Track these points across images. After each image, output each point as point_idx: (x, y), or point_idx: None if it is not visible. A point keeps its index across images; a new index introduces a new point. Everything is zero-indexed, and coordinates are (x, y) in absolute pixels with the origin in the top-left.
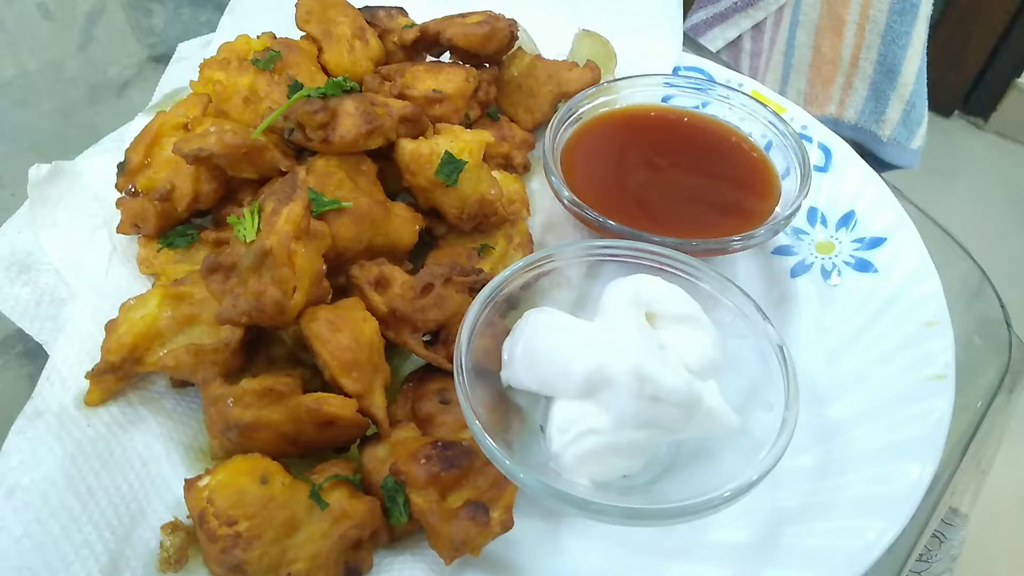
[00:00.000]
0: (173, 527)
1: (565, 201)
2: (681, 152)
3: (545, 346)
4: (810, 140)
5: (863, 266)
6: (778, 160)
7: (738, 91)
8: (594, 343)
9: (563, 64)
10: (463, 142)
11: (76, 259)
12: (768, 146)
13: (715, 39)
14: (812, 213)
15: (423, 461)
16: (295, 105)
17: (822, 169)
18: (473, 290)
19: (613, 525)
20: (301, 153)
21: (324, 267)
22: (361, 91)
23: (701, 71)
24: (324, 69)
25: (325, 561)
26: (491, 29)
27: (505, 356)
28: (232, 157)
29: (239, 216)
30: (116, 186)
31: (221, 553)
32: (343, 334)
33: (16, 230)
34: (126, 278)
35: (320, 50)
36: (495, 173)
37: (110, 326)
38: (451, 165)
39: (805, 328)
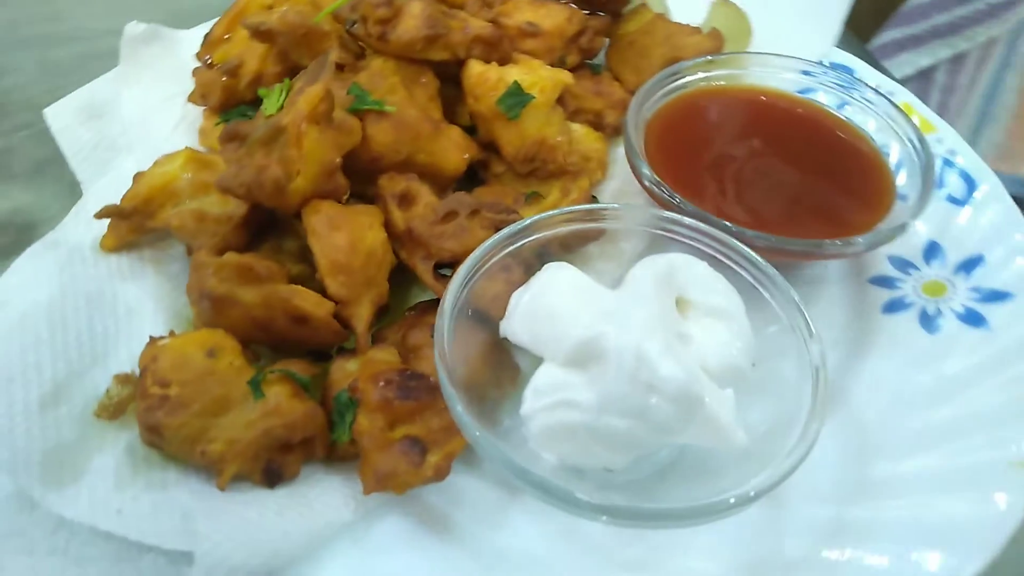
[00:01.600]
0: (125, 379)
1: (636, 169)
2: (790, 145)
3: (550, 303)
4: (953, 165)
5: (974, 319)
6: (906, 181)
7: (885, 97)
8: (603, 311)
9: (684, 28)
10: (537, 77)
11: (145, 118)
12: (899, 165)
13: (903, 65)
14: (932, 248)
15: (382, 384)
16: None
17: (959, 202)
18: (503, 224)
19: (569, 514)
20: (365, 52)
21: (339, 160)
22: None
23: (848, 69)
24: None
25: (243, 451)
26: None
27: (511, 305)
28: (291, 37)
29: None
30: (196, 55)
31: (145, 411)
32: (341, 234)
33: (107, 81)
34: (184, 145)
35: None
36: (579, 126)
37: (138, 177)
38: (516, 97)
39: (882, 371)
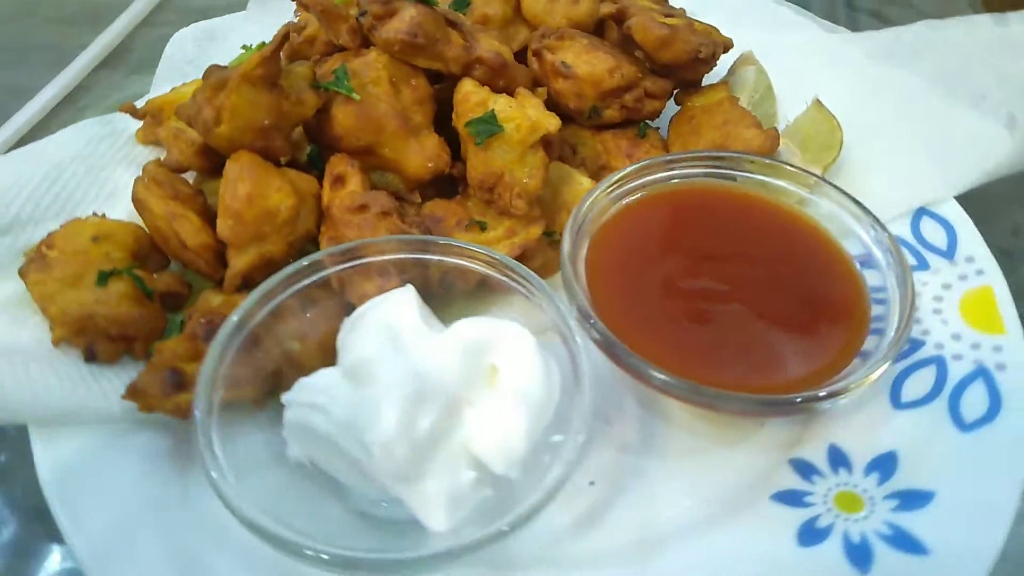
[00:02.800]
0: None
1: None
2: (754, 258)
3: (374, 315)
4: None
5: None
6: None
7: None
8: (406, 344)
9: (747, 119)
10: (520, 114)
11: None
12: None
13: None
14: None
15: (202, 320)
16: None
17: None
18: (403, 238)
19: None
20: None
21: (267, 122)
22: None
23: (949, 226)
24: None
25: (68, 322)
26: (670, 36)
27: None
28: (315, 10)
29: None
30: None
31: (26, 261)
32: (244, 184)
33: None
34: None
35: None
36: (587, 180)
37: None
38: (486, 125)
39: None
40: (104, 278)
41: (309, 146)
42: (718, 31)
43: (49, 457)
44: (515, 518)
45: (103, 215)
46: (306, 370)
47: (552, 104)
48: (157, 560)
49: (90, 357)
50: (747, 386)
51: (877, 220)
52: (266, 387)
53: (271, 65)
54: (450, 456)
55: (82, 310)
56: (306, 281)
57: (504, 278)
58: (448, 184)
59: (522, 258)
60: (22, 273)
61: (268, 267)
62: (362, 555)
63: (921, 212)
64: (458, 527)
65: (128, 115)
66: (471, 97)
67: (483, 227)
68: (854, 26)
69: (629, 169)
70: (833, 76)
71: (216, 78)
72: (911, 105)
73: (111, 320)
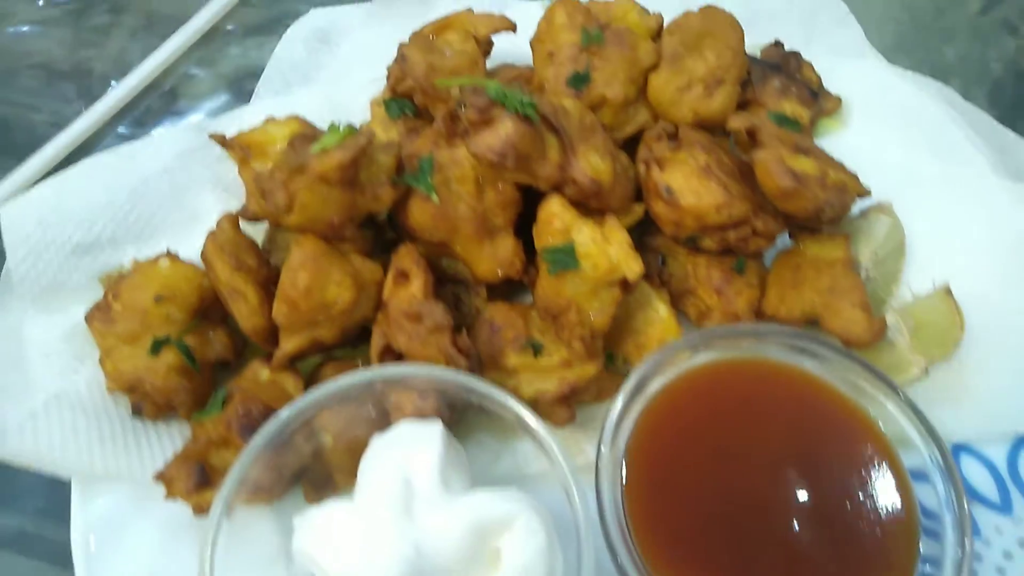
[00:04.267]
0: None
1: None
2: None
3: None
4: None
5: None
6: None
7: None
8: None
9: (855, 292)
10: (601, 252)
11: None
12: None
13: None
14: None
15: (240, 410)
16: (475, 89)
17: None
18: (449, 360)
19: None
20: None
21: (338, 219)
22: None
23: None
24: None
25: (118, 379)
26: (794, 190)
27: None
28: (422, 90)
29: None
30: None
31: (93, 307)
32: (305, 273)
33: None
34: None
35: (655, 67)
36: (665, 310)
37: (266, 121)
38: (563, 256)
39: None
40: (157, 347)
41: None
42: (856, 180)
43: (82, 512)
44: None
45: (174, 257)
46: (332, 469)
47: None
48: None
49: (136, 412)
50: None
51: (940, 444)
52: (290, 484)
53: (349, 170)
54: None
55: (133, 373)
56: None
57: (532, 441)
58: (520, 284)
59: (573, 392)
60: (88, 319)
61: (319, 348)
62: None
63: None
64: None
65: (219, 144)
66: (554, 221)
67: (537, 351)
68: None
69: (707, 332)
70: (984, 237)
71: (295, 163)
72: None
73: (156, 389)
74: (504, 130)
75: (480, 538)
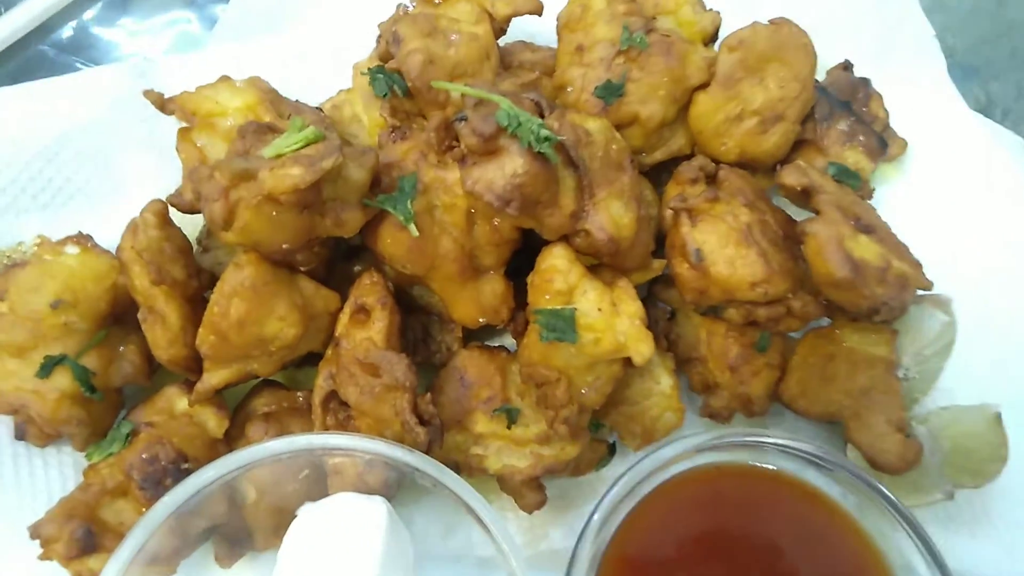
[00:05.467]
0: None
1: None
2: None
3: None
4: None
5: None
6: None
7: None
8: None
9: (892, 405)
10: (608, 328)
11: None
12: None
13: None
14: None
15: (143, 455)
16: (484, 103)
17: None
18: (407, 431)
19: None
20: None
21: (289, 245)
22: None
23: None
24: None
25: (3, 403)
26: (850, 281)
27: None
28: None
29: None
30: None
31: None
32: (240, 306)
33: None
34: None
35: (705, 86)
36: (669, 385)
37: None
38: (560, 324)
39: None
40: (47, 368)
41: None
42: (919, 271)
43: None
44: None
45: (85, 242)
46: (251, 527)
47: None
48: None
49: (20, 436)
50: None
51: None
52: (196, 546)
53: (307, 195)
54: None
55: (16, 395)
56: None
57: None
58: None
59: (548, 472)
60: None
61: (247, 381)
62: None
63: None
64: None
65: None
66: (555, 279)
67: (512, 418)
68: None
69: (710, 437)
70: None
71: (239, 168)
72: None
73: (43, 419)
74: (512, 168)
75: None
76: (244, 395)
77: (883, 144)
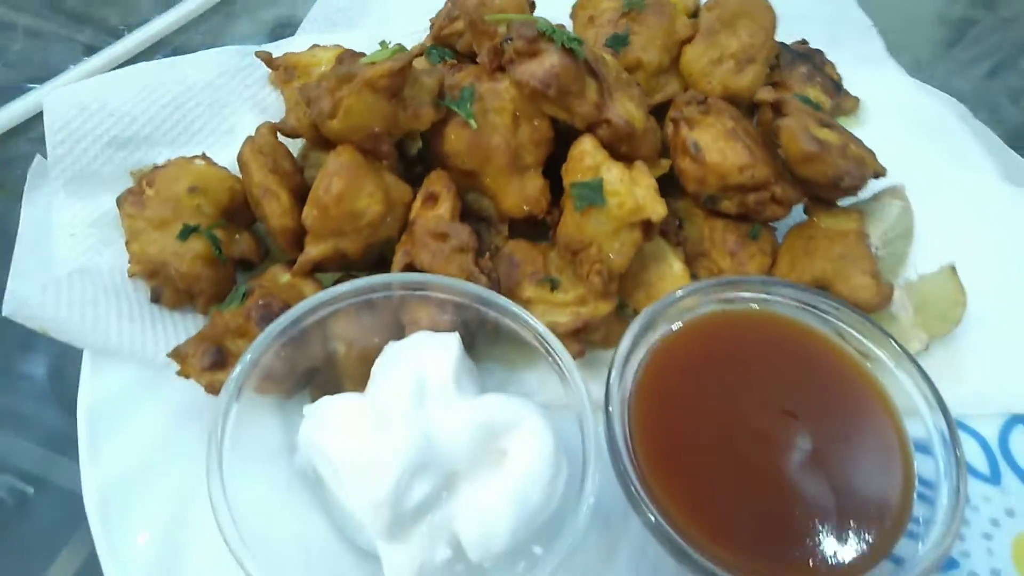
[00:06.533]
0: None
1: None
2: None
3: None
4: None
5: None
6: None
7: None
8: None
9: (865, 261)
10: (627, 191)
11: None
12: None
13: None
14: None
15: (260, 301)
16: (525, 22)
17: None
18: (471, 278)
19: None
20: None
21: (380, 129)
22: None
23: None
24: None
25: (144, 261)
26: (816, 155)
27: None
28: (470, 23)
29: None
30: None
31: (127, 191)
32: (339, 182)
33: None
34: None
35: (690, 39)
36: (680, 266)
37: (313, 48)
38: (590, 192)
39: None
40: (186, 233)
41: (420, 143)
42: (873, 157)
43: (91, 385)
44: None
45: (209, 159)
46: (342, 376)
47: (672, 178)
48: (152, 509)
49: (155, 298)
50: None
51: (947, 415)
52: (300, 383)
53: (397, 79)
54: (433, 528)
55: (159, 256)
56: (370, 296)
57: (548, 357)
58: (541, 225)
59: (585, 328)
60: (119, 202)
61: (341, 261)
62: None
63: (1017, 420)
64: None
65: (264, 63)
66: (586, 158)
67: (554, 286)
68: None
69: (717, 281)
70: (987, 234)
71: (343, 72)
72: None
73: (181, 274)
74: (550, 60)
75: (488, 436)
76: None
77: (838, 87)
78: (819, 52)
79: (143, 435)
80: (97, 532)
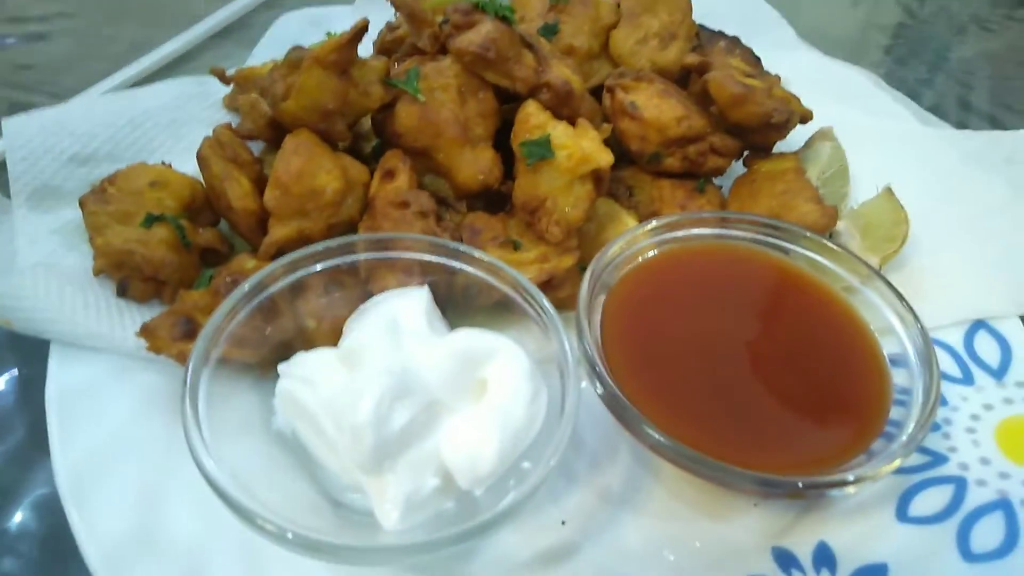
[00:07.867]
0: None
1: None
2: (776, 329)
3: (384, 303)
4: None
5: None
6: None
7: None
8: (404, 334)
9: (806, 190)
10: (575, 145)
11: None
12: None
13: None
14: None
15: (228, 278)
16: (459, 3)
17: None
18: (434, 240)
19: None
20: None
21: (332, 106)
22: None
23: (1006, 345)
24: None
25: (108, 253)
26: (744, 95)
27: None
28: (404, 10)
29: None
30: None
31: (89, 191)
32: (297, 160)
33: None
34: None
35: (615, 25)
36: (632, 220)
37: (263, 66)
38: (539, 148)
39: None
40: (150, 221)
41: (375, 140)
42: (798, 101)
43: (59, 375)
44: (465, 530)
45: (169, 165)
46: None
47: (616, 143)
48: (124, 493)
49: (122, 291)
50: (746, 462)
51: (918, 321)
52: (272, 355)
53: (344, 53)
54: (419, 458)
55: (123, 245)
56: (334, 261)
57: (523, 302)
58: (497, 202)
59: (549, 286)
60: (82, 202)
61: (304, 243)
62: (309, 534)
63: (979, 325)
64: (411, 530)
65: (218, 79)
66: (531, 119)
67: (517, 246)
68: (961, 126)
69: (677, 217)
70: (916, 169)
71: (293, 57)
72: (992, 213)
73: (147, 260)
74: (485, 28)
75: (467, 366)
76: None
77: (757, 59)
78: (736, 38)
79: (112, 423)
80: (72, 515)
